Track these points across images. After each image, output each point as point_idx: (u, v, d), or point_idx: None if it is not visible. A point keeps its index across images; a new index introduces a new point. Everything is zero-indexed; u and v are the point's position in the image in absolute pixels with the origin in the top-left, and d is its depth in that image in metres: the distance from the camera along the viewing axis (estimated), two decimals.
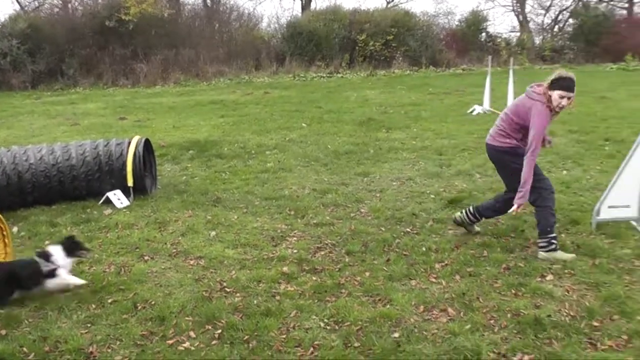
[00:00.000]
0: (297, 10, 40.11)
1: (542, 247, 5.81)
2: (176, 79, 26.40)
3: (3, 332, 4.65)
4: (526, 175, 5.61)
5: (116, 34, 26.92)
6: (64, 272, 5.26)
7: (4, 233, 5.51)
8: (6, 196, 7.77)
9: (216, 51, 28.66)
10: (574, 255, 5.78)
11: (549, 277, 5.31)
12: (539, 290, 5.03)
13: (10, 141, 12.57)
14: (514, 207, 5.72)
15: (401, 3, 41.83)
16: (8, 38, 25.49)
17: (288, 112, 15.88)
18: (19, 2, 34.09)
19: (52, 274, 5.17)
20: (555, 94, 5.58)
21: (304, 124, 13.65)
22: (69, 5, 31.97)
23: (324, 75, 26.93)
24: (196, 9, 33.64)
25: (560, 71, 5.79)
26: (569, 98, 5.59)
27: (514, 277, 5.32)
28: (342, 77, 26.59)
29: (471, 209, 6.42)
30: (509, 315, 4.62)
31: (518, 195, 5.68)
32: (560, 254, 5.75)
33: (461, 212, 6.50)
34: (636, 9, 38.70)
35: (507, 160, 5.93)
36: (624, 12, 37.47)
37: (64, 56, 26.75)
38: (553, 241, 5.77)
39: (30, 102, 21.50)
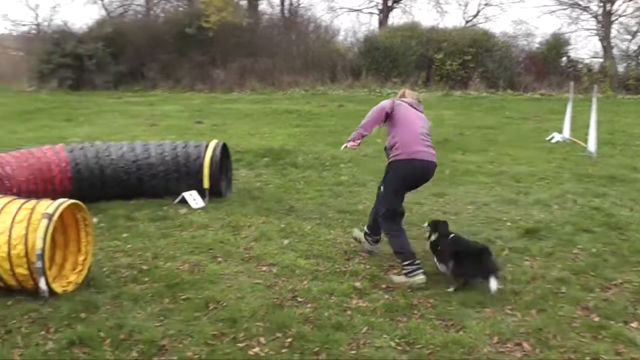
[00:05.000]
0: (374, 25, 40.14)
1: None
2: (252, 87, 26.71)
3: (83, 315, 4.84)
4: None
5: (196, 41, 27.44)
6: None
7: (86, 223, 5.68)
8: (88, 188, 8.07)
9: (293, 61, 28.82)
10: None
11: (634, 324, 5.01)
12: (621, 336, 4.75)
13: (93, 137, 12.98)
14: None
15: (480, 23, 41.28)
16: (94, 41, 26.52)
17: None
18: (105, 8, 35.16)
19: None
20: None
21: (378, 140, 13.59)
22: (151, 12, 32.85)
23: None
24: (274, 19, 33.97)
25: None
26: None
27: (593, 318, 5.07)
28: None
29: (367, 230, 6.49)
30: (587, 358, 4.44)
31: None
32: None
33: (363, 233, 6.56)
34: None
35: None
36: None
37: (145, 60, 27.63)
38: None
39: (112, 101, 22.25)
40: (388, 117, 6.04)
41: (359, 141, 5.95)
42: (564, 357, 4.45)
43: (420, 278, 5.69)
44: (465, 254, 5.67)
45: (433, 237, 6.10)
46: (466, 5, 52.05)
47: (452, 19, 69.50)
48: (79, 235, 5.70)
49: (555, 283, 5.77)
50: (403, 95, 6.43)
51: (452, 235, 6.02)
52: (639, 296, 5.57)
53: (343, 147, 6.06)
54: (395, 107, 6.04)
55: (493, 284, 5.38)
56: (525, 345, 4.59)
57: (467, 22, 40.80)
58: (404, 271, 5.78)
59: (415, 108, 6.22)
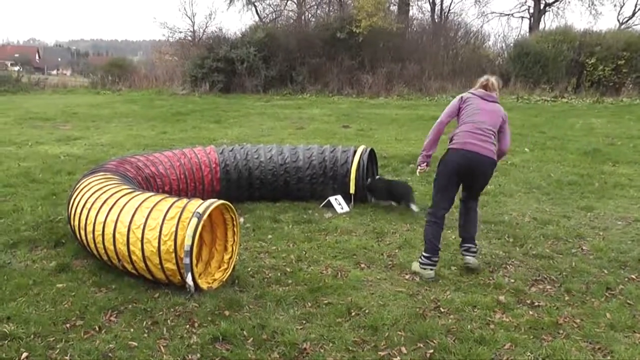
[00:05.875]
0: (525, 29, 39.17)
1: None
2: (399, 92, 26.74)
3: (227, 312, 4.99)
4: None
5: (345, 45, 27.86)
6: None
7: (234, 222, 5.85)
8: (236, 189, 8.41)
9: (440, 67, 28.64)
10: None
11: None
12: None
13: (242, 138, 13.45)
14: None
15: (635, 24, 39.14)
16: (247, 46, 27.43)
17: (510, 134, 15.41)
18: (258, 14, 36.35)
19: None
20: None
21: (526, 149, 13.25)
22: (303, 17, 33.62)
23: (548, 99, 25.82)
24: (424, 24, 33.91)
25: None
26: None
27: None
28: (566, 102, 25.33)
29: (464, 244, 6.28)
30: None
31: None
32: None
33: (469, 256, 6.21)
34: None
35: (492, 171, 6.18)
36: None
37: (295, 64, 28.25)
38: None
39: (260, 104, 22.92)
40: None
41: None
42: None
43: (428, 273, 5.89)
44: (386, 187, 8.48)
45: (367, 182, 8.51)
46: (622, 6, 49.67)
47: (606, 22, 66.23)
48: (226, 234, 5.89)
49: None
50: (484, 85, 6.25)
51: (378, 177, 8.84)
52: None
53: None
54: (462, 104, 6.16)
55: (412, 207, 8.15)
56: None
57: (621, 24, 38.93)
58: (420, 260, 5.99)
59: (486, 100, 6.12)
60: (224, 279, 5.63)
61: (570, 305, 5.37)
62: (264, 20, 35.35)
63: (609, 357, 4.47)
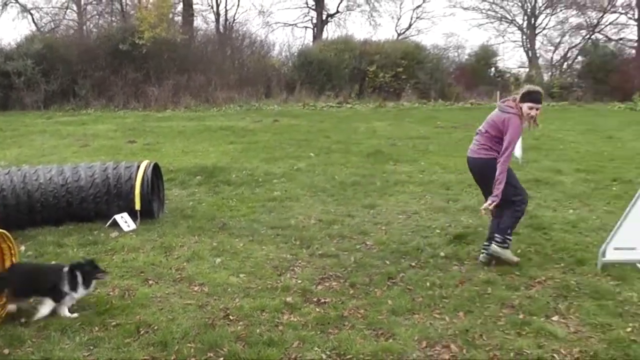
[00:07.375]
0: (309, 39, 40.47)
1: (497, 241, 6.45)
2: (187, 104, 26.54)
3: (6, 351, 4.69)
4: (500, 177, 6.28)
5: (129, 57, 27.11)
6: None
7: (12, 252, 5.52)
8: (15, 215, 7.87)
9: (227, 77, 28.80)
10: (518, 259, 6.51)
11: (555, 317, 5.23)
12: (542, 330, 4.96)
13: (22, 160, 12.73)
14: (487, 204, 6.39)
15: (412, 35, 42.10)
16: (23, 58, 25.80)
17: (297, 141, 15.93)
18: (35, 23, 34.59)
19: None
20: (525, 106, 6.35)
21: (312, 154, 13.71)
22: (84, 28, 32.45)
23: (334, 105, 27.00)
24: (209, 34, 33.97)
25: (529, 86, 6.72)
26: (537, 109, 6.37)
27: (518, 315, 5.26)
28: (351, 107, 26.66)
29: (486, 243, 6.70)
30: (511, 354, 4.59)
31: (492, 195, 6.31)
32: (508, 253, 6.47)
33: (482, 253, 6.70)
34: None
35: (488, 172, 6.41)
36: (633, 51, 37.11)
37: (77, 77, 27.00)
38: (508, 240, 6.47)
39: (42, 121, 21.74)
40: None
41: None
42: (489, 355, 4.60)
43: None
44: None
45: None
46: (399, 19, 53.13)
47: (385, 32, 70.35)
48: (3, 265, 5.56)
49: (482, 285, 5.96)
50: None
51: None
52: (560, 292, 5.83)
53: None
54: None
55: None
56: (452, 346, 4.71)
57: (399, 34, 41.75)
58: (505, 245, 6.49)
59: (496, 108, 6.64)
60: (3, 315, 5.31)
61: (355, 297, 5.68)
62: (41, 29, 33.69)
63: (390, 340, 4.80)
